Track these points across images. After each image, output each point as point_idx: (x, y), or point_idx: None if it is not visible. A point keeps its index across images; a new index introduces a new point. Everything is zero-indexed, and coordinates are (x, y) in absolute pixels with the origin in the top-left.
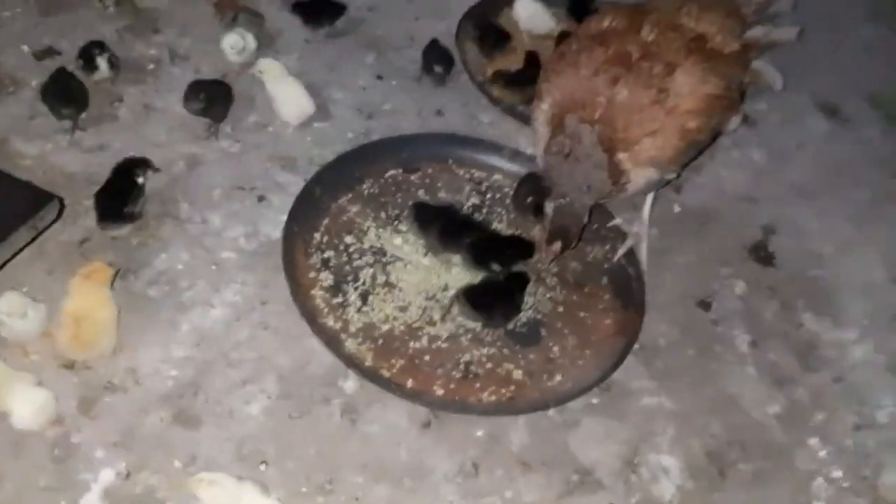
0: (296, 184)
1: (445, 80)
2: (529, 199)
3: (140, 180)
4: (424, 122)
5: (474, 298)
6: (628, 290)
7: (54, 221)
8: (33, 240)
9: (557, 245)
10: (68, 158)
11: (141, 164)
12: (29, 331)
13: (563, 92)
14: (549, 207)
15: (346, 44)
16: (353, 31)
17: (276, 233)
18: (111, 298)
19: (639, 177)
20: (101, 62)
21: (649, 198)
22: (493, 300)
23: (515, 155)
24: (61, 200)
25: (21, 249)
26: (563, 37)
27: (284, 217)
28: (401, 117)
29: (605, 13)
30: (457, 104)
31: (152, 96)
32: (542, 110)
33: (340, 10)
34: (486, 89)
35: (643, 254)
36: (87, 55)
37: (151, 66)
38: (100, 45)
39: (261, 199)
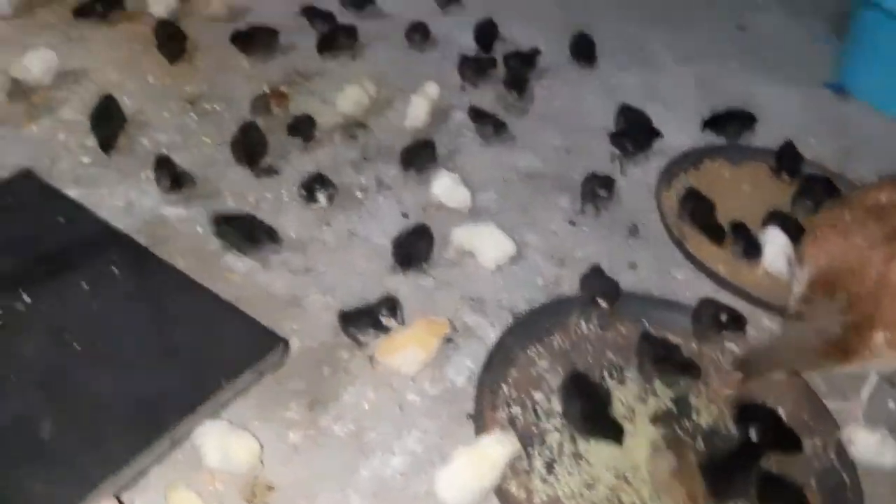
0: (482, 327)
1: (606, 206)
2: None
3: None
4: (616, 274)
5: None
6: (842, 501)
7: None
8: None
9: (737, 376)
10: (274, 278)
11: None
12: (241, 469)
13: (829, 259)
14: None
15: (540, 185)
16: (549, 171)
17: (461, 378)
18: (431, 346)
19: (890, 359)
20: (321, 196)
21: None
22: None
23: None
24: (286, 343)
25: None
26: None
27: (469, 362)
28: None
29: (884, 186)
30: (650, 257)
31: (356, 223)
32: (803, 274)
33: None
34: (683, 246)
35: None
36: (309, 188)
37: (360, 195)
38: (321, 180)
39: (448, 340)
